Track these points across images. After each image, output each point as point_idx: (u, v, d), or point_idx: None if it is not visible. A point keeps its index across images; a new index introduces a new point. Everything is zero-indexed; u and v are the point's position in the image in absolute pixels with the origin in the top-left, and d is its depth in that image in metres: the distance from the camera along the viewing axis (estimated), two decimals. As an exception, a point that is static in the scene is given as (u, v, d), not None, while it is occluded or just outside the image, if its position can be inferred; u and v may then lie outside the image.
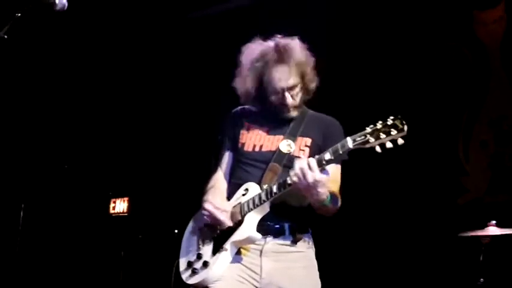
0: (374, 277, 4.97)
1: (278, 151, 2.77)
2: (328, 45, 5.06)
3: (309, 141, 2.81)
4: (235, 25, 5.89)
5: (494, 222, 3.84)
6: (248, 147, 2.85)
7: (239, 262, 2.68)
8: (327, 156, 2.50)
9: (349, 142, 2.47)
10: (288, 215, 2.71)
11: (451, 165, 5.08)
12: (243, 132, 2.90)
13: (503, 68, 4.99)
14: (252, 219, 2.65)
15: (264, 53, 2.82)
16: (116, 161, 6.77)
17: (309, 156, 2.70)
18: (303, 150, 2.79)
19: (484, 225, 3.88)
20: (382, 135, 2.39)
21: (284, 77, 2.76)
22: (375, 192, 5.14)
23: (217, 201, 2.75)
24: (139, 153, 6.74)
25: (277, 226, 2.70)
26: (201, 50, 6.44)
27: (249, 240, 2.66)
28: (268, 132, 2.86)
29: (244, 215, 2.67)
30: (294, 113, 2.84)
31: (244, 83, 2.88)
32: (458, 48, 5.21)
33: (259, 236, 2.64)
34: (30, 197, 6.03)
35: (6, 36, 2.08)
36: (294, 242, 2.72)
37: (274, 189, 2.59)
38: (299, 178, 2.48)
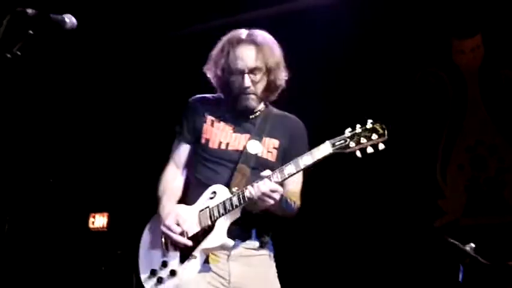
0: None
1: (246, 152, 2.67)
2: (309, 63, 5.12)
3: (276, 143, 2.74)
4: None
5: (472, 244, 3.95)
6: (213, 144, 2.72)
7: (208, 269, 2.59)
8: (309, 161, 2.44)
9: (329, 146, 2.41)
10: (254, 220, 2.64)
11: (428, 188, 5.17)
12: (207, 126, 2.76)
13: (480, 94, 5.14)
14: (223, 225, 2.56)
15: (231, 36, 2.75)
16: (96, 176, 6.75)
17: (276, 159, 2.68)
18: (271, 152, 2.72)
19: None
20: (363, 140, 2.37)
21: (246, 57, 2.63)
22: (351, 213, 5.18)
23: (171, 221, 2.60)
24: (120, 168, 6.73)
25: (244, 230, 2.63)
26: (180, 68, 6.49)
27: (222, 247, 2.57)
28: (234, 130, 2.74)
29: (215, 220, 2.56)
30: (255, 104, 2.72)
31: (210, 69, 2.81)
32: (436, 74, 5.34)
33: (232, 242, 2.56)
34: (14, 210, 5.97)
35: (19, 53, 2.13)
36: (261, 245, 2.68)
37: (247, 193, 2.49)
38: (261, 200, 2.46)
